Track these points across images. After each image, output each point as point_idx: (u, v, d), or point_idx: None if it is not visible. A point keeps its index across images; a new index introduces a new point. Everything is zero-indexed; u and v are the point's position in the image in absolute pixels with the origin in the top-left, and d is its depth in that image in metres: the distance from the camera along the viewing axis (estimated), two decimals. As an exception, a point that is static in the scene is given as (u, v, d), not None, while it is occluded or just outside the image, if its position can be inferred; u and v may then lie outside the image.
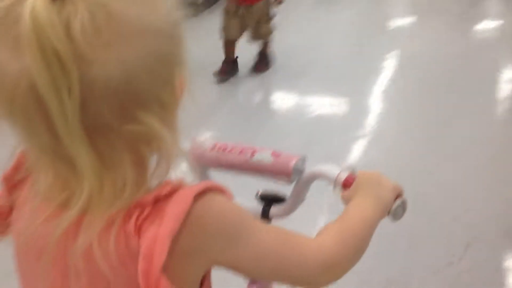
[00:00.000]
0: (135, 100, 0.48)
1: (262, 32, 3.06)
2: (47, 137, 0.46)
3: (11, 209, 0.59)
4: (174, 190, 0.52)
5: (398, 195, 0.75)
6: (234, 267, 0.56)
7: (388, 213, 0.74)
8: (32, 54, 0.42)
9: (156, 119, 0.49)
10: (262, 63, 3.22)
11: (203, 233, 0.52)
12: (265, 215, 0.90)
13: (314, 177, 0.82)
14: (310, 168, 0.83)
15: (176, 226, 0.49)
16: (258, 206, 0.90)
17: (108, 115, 0.47)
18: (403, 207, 0.75)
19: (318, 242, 0.63)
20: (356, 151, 2.44)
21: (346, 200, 0.74)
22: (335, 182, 0.78)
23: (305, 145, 2.41)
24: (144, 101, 0.49)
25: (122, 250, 0.50)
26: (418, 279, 1.71)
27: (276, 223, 0.87)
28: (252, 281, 0.93)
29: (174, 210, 0.50)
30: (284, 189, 0.88)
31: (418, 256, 1.80)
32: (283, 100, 3.10)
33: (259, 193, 0.90)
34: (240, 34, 3.05)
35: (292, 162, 0.81)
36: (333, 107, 2.91)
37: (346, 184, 0.77)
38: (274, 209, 0.90)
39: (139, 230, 0.50)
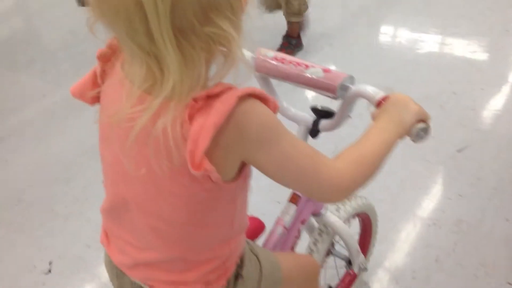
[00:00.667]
0: (213, 5, 0.59)
1: (292, 9, 2.60)
2: (144, 37, 0.59)
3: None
4: (224, 90, 0.63)
5: (422, 119, 0.80)
6: (260, 167, 0.68)
7: (409, 134, 0.79)
8: None
9: (228, 22, 0.60)
10: (284, 47, 2.71)
11: (240, 132, 0.64)
12: (315, 126, 1.01)
13: (356, 95, 0.89)
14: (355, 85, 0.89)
15: (220, 120, 0.61)
16: (310, 118, 1.01)
17: (191, 18, 0.58)
18: (425, 131, 0.80)
19: (335, 165, 0.71)
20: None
21: (374, 118, 0.81)
22: (371, 101, 0.84)
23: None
24: (219, 6, 0.60)
25: (177, 134, 0.62)
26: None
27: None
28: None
29: (220, 107, 0.62)
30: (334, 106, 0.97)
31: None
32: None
33: (312, 107, 1.00)
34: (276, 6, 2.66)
35: (340, 79, 0.89)
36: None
37: (379, 104, 0.83)
38: (323, 123, 1.00)
39: (191, 118, 0.62)
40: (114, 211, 0.79)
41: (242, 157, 0.67)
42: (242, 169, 0.70)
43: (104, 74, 0.73)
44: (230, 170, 0.68)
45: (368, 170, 0.74)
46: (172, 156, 0.63)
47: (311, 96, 2.30)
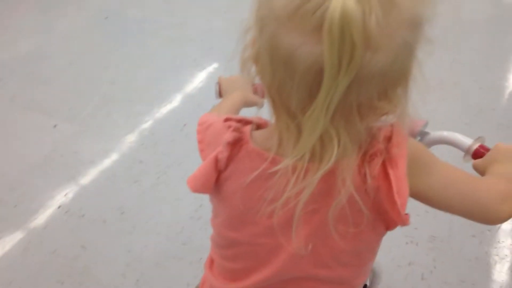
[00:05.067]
0: (393, 80, 0.55)
1: None
2: (304, 103, 0.53)
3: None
4: (388, 132, 0.61)
5: None
6: (423, 195, 0.66)
7: None
8: (331, 41, 0.48)
9: (403, 95, 0.57)
10: None
11: (411, 167, 0.61)
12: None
13: (442, 141, 0.89)
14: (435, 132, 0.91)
15: (405, 166, 0.60)
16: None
17: (368, 94, 0.53)
18: None
19: (486, 179, 0.72)
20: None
21: (480, 168, 0.77)
22: (467, 150, 0.84)
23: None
24: (399, 81, 0.56)
25: (365, 196, 0.60)
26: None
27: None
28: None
29: (398, 152, 0.60)
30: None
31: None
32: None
33: None
34: None
35: (419, 126, 0.91)
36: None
37: (478, 154, 0.82)
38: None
39: (384, 174, 0.60)
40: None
41: (412, 190, 0.63)
42: None
43: (229, 159, 0.66)
44: None
45: None
46: (360, 220, 0.61)
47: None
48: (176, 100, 2.44)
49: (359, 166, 0.59)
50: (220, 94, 0.97)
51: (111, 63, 2.67)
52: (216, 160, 0.66)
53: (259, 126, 0.67)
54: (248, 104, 0.90)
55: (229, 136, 0.65)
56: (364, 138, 0.59)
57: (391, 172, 0.59)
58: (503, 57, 2.69)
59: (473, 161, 0.80)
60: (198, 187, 0.69)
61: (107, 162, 2.11)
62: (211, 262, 0.81)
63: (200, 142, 0.72)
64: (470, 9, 2.99)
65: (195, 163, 0.71)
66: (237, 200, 0.67)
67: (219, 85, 0.98)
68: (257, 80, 0.61)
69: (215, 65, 2.66)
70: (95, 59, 2.71)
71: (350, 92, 0.51)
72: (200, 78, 2.58)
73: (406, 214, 0.61)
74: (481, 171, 0.76)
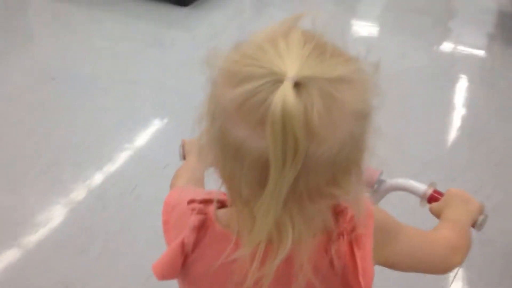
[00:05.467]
0: (342, 168, 0.56)
1: None
2: (255, 192, 0.55)
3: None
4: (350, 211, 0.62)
5: (481, 211, 0.88)
6: (390, 262, 0.70)
7: (474, 225, 0.86)
8: (274, 137, 0.49)
9: (352, 182, 0.57)
10: None
11: (378, 237, 0.64)
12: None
13: (398, 188, 0.95)
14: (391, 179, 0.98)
15: (371, 245, 0.62)
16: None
17: (316, 182, 0.54)
18: (485, 221, 0.87)
19: (440, 234, 0.79)
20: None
21: (436, 212, 0.87)
22: (422, 196, 0.91)
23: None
24: (348, 169, 0.57)
25: (326, 269, 0.62)
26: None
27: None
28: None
29: (367, 233, 0.62)
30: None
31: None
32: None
33: None
34: None
35: (376, 174, 0.97)
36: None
37: (432, 198, 0.90)
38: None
39: (348, 252, 0.61)
40: None
41: (376, 260, 0.66)
42: None
43: (195, 243, 0.66)
44: None
45: (465, 234, 0.81)
46: None
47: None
48: (126, 161, 2.35)
49: (325, 245, 0.62)
50: (184, 157, 1.00)
51: (58, 124, 2.57)
52: (183, 245, 0.66)
53: (222, 202, 0.67)
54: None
55: (194, 220, 0.65)
56: (323, 220, 0.60)
57: (357, 253, 0.61)
58: (444, 111, 2.76)
59: (428, 205, 0.89)
60: (165, 274, 0.68)
61: (50, 231, 1.99)
62: None
63: (165, 223, 0.72)
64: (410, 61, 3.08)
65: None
66: (206, 284, 0.68)
67: (183, 147, 1.01)
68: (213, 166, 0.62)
69: (167, 123, 2.61)
70: (40, 120, 2.60)
71: (298, 181, 0.52)
72: (151, 138, 2.52)
73: None
74: (437, 215, 0.86)
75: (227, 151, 0.55)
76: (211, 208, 0.66)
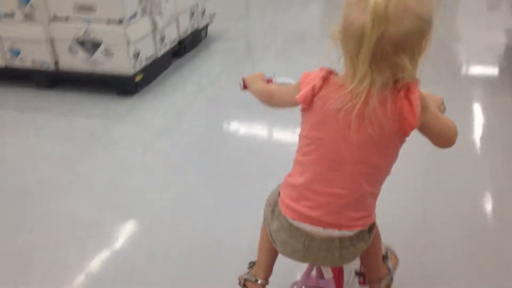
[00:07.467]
0: (403, 47, 0.99)
1: None
2: (355, 51, 1.00)
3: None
4: (407, 83, 1.04)
5: (442, 102, 1.28)
6: (427, 123, 1.08)
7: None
8: (370, 16, 0.95)
9: (408, 59, 0.99)
10: None
11: (423, 104, 1.05)
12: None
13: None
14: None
15: (418, 97, 1.04)
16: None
17: (388, 50, 0.98)
18: (445, 108, 1.28)
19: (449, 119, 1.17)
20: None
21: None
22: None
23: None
24: (407, 49, 0.99)
25: (396, 106, 1.03)
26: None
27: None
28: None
29: (415, 91, 1.03)
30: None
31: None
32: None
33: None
34: None
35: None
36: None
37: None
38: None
39: (405, 98, 1.03)
40: (328, 173, 1.13)
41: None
42: None
43: (321, 87, 1.11)
44: None
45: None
46: (383, 127, 1.05)
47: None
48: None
49: (393, 92, 1.03)
50: (244, 87, 1.43)
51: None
52: (314, 87, 1.10)
53: (335, 74, 1.12)
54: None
55: (322, 73, 1.11)
56: (389, 77, 1.01)
57: (411, 96, 1.03)
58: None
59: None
60: (302, 98, 1.12)
61: None
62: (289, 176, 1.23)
63: (303, 83, 1.14)
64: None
65: None
66: (323, 111, 1.10)
67: (244, 80, 1.43)
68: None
69: (123, 221, 2.24)
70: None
71: (377, 46, 0.97)
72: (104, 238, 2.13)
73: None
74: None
75: (347, 30, 1.00)
76: (332, 73, 1.11)
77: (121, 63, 3.34)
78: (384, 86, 1.02)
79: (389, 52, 0.98)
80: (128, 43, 3.27)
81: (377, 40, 0.96)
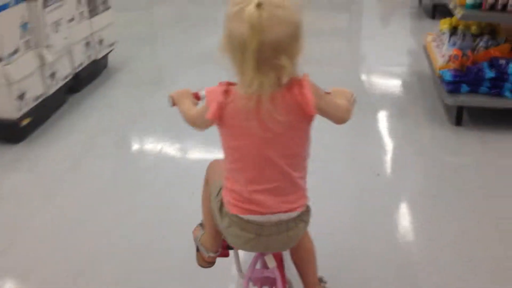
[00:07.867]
0: (281, 50, 1.11)
1: None
2: (241, 59, 1.12)
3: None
4: (296, 78, 1.19)
5: (352, 95, 1.46)
6: (323, 110, 1.25)
7: (353, 102, 1.46)
8: (247, 26, 1.08)
9: (288, 60, 1.12)
10: None
11: (312, 91, 1.19)
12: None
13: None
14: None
15: (311, 91, 1.18)
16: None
17: (268, 54, 1.11)
18: (356, 100, 1.47)
19: (341, 101, 1.37)
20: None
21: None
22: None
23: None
24: (284, 51, 1.12)
25: (290, 102, 1.17)
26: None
27: None
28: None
29: (306, 84, 1.18)
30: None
31: None
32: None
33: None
34: None
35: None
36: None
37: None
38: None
39: (299, 93, 1.17)
40: (260, 173, 1.26)
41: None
42: None
43: (225, 101, 1.21)
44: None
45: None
46: (288, 121, 1.19)
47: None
48: None
49: (288, 90, 1.17)
50: (173, 104, 1.48)
51: None
52: (219, 104, 1.20)
53: (234, 85, 1.22)
54: (193, 102, 1.49)
55: (224, 88, 1.21)
56: (276, 76, 1.14)
57: (303, 90, 1.17)
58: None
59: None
60: (212, 116, 1.21)
61: None
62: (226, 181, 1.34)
63: (207, 102, 1.25)
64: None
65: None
66: (234, 121, 1.22)
67: (172, 98, 1.48)
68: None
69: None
70: None
71: (259, 52, 1.09)
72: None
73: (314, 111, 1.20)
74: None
75: (231, 41, 1.13)
76: (230, 85, 1.21)
77: (3, 107, 2.94)
78: (273, 86, 1.14)
79: (270, 56, 1.11)
80: (9, 83, 2.86)
81: (257, 47, 1.08)
